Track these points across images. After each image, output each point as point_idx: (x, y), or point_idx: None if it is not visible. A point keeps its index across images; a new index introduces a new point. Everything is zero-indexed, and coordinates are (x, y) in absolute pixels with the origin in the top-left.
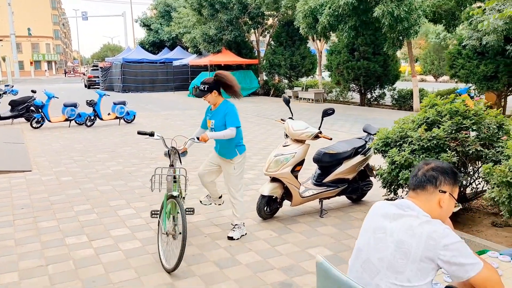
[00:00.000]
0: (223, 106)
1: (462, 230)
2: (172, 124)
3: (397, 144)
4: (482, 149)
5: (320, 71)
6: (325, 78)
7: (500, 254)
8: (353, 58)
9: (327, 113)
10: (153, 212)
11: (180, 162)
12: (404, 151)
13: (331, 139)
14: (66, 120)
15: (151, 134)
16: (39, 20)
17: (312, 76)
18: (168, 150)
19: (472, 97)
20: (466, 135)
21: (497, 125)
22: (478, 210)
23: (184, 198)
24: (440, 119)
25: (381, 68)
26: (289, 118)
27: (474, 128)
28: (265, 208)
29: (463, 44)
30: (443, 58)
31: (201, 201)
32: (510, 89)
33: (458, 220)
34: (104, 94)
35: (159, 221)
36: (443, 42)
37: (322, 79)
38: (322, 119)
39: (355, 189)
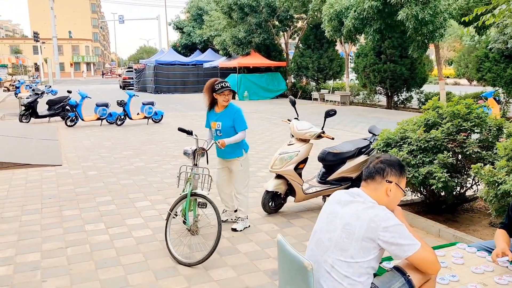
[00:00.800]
0: (231, 109)
1: (459, 229)
2: (197, 124)
3: (398, 144)
4: (479, 150)
5: (347, 74)
6: (353, 80)
7: (468, 246)
8: (380, 61)
9: (329, 114)
10: (175, 213)
11: (207, 162)
12: (403, 151)
13: (333, 138)
14: (98, 119)
15: (190, 133)
16: (80, 23)
17: (340, 79)
18: (195, 150)
19: (498, 101)
20: (464, 137)
21: (497, 127)
22: (479, 211)
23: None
24: (441, 121)
25: (408, 71)
26: (295, 118)
27: (476, 131)
28: (269, 203)
29: (489, 47)
30: None
31: (226, 220)
32: None
33: (456, 220)
34: (134, 95)
35: (168, 217)
36: (478, 45)
37: (349, 81)
38: (324, 120)
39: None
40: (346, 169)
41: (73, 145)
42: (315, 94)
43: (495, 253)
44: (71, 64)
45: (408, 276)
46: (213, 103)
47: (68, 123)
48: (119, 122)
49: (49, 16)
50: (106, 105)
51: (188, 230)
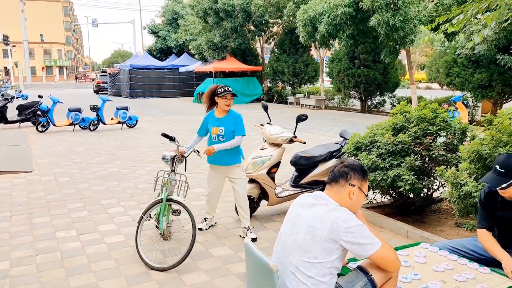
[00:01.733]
0: (233, 114)
1: (426, 230)
2: (172, 129)
3: (367, 148)
4: (445, 153)
5: (322, 79)
6: (327, 84)
7: (431, 246)
8: (354, 65)
9: (300, 119)
10: (149, 216)
11: (185, 169)
12: (372, 155)
13: (305, 143)
14: (71, 124)
15: (173, 139)
16: (52, 26)
17: (315, 84)
18: (175, 156)
19: (466, 105)
20: (431, 141)
21: (461, 131)
22: (446, 211)
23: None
24: (408, 125)
25: (381, 75)
26: (267, 123)
27: (442, 134)
28: None
29: (457, 52)
30: None
31: (201, 228)
32: (505, 97)
33: (424, 221)
34: (107, 100)
35: (140, 220)
36: (448, 50)
37: (324, 86)
38: (296, 124)
39: None
40: (318, 173)
41: (44, 151)
42: (290, 99)
43: (510, 270)
44: (43, 68)
45: (371, 275)
46: (211, 108)
47: (39, 129)
48: (92, 127)
49: (19, 19)
50: (79, 110)
51: (161, 235)
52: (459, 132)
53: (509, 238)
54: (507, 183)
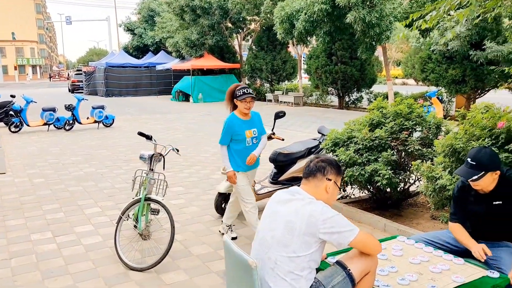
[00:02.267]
0: (254, 114)
1: (403, 223)
2: (150, 128)
3: (345, 144)
4: (420, 148)
5: (300, 75)
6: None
7: (407, 239)
8: (331, 62)
9: (278, 115)
10: (127, 216)
11: (164, 168)
12: (349, 150)
13: (283, 139)
14: (45, 124)
15: (149, 137)
16: (24, 24)
17: (293, 80)
18: (153, 155)
19: (441, 100)
20: (406, 135)
21: (436, 125)
22: (422, 205)
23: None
24: (385, 120)
25: (358, 72)
26: None
27: (417, 129)
28: (222, 205)
29: (431, 48)
30: None
31: (235, 238)
32: (478, 92)
33: (401, 214)
34: (83, 99)
35: (119, 221)
36: (423, 46)
37: (302, 83)
38: (274, 121)
39: None
40: (296, 169)
41: (17, 152)
42: (269, 96)
43: (479, 253)
44: (15, 67)
45: (349, 270)
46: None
47: (12, 129)
48: (67, 127)
49: None
50: (53, 110)
51: (139, 235)
52: (434, 127)
53: (482, 232)
54: (477, 175)
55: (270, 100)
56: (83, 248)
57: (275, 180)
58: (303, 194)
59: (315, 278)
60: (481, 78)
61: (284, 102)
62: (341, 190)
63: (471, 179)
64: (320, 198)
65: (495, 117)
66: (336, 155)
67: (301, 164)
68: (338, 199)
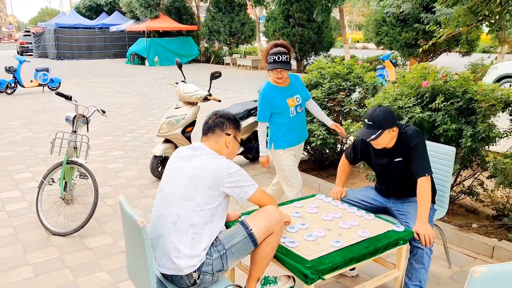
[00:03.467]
0: (294, 77)
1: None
2: (100, 92)
3: None
4: (356, 108)
5: (259, 38)
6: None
7: (326, 197)
8: (289, 24)
9: (214, 76)
10: (51, 180)
11: (87, 130)
12: None
13: (220, 101)
14: None
15: (69, 98)
16: None
17: (252, 43)
18: (75, 116)
19: (394, 64)
20: (344, 96)
21: (373, 86)
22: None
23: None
24: (323, 81)
25: (315, 35)
26: (182, 81)
27: (356, 90)
28: (158, 168)
29: (385, 11)
30: None
31: None
32: (430, 55)
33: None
34: (24, 60)
35: (41, 185)
36: (379, 8)
37: (260, 46)
38: (210, 82)
39: (250, 149)
40: None
41: None
42: (227, 59)
43: (334, 193)
44: None
45: (251, 229)
46: None
47: None
48: (9, 91)
49: None
50: None
51: (62, 199)
52: (371, 88)
53: (390, 188)
54: (375, 134)
55: (228, 64)
56: (5, 214)
57: None
58: (206, 150)
59: (216, 237)
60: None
61: (242, 65)
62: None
63: (370, 138)
64: (221, 154)
65: (424, 77)
66: None
67: None
68: None
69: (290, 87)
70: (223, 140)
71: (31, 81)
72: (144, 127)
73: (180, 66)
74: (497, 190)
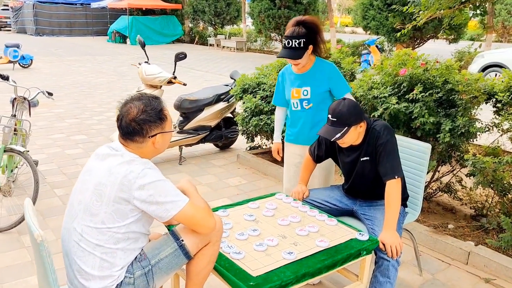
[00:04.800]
0: (321, 66)
1: None
2: (74, 70)
3: (254, 90)
4: None
5: (244, 19)
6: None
7: (286, 196)
8: (274, 6)
9: (178, 57)
10: None
11: (29, 114)
12: (256, 98)
13: (185, 84)
14: None
15: (5, 78)
16: None
17: (237, 24)
18: (14, 99)
19: (380, 49)
20: None
21: (351, 72)
22: None
23: (28, 151)
24: None
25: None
26: (145, 62)
27: None
28: None
29: None
30: None
31: None
32: (417, 41)
33: None
34: None
35: None
36: None
37: (246, 27)
38: (175, 64)
39: (219, 136)
40: (204, 117)
41: None
42: (211, 40)
43: (295, 192)
44: None
45: (182, 240)
46: None
47: None
48: None
49: None
50: None
51: None
52: (348, 74)
53: (356, 189)
54: (340, 133)
55: (212, 45)
56: None
57: (180, 128)
58: (122, 151)
59: (141, 250)
60: (419, 27)
61: (226, 47)
62: (174, 129)
63: (334, 137)
64: (148, 155)
65: (403, 64)
66: (243, 102)
67: (208, 111)
68: (248, 149)
69: (304, 76)
70: (149, 143)
71: (1, 57)
72: (113, 110)
73: (143, 46)
74: (476, 189)
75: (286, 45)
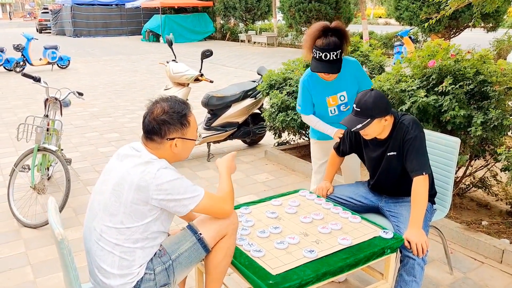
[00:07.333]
0: (347, 66)
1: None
2: (108, 70)
3: (281, 86)
4: None
5: (275, 14)
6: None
7: (310, 193)
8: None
9: (205, 54)
10: (25, 167)
11: (61, 114)
12: (282, 94)
13: (212, 81)
14: None
15: (37, 79)
16: None
17: (268, 20)
18: (46, 100)
19: (414, 40)
20: None
21: (379, 65)
22: None
23: (62, 150)
24: None
25: (333, 10)
26: (173, 60)
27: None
28: None
29: None
30: None
31: None
32: (453, 31)
33: None
34: (32, 38)
35: (12, 173)
36: None
37: (277, 22)
38: (201, 62)
39: (247, 133)
40: (231, 114)
41: None
42: (242, 36)
43: (319, 189)
44: None
45: (200, 234)
46: None
47: None
48: (18, 69)
49: None
50: (1, 50)
51: (33, 189)
52: (377, 67)
53: (382, 185)
54: (362, 124)
55: (243, 41)
56: None
57: (208, 125)
58: (142, 151)
59: (160, 245)
60: (455, 16)
61: (257, 42)
62: (200, 136)
63: (356, 128)
64: (167, 157)
65: (433, 55)
66: (270, 98)
67: (236, 108)
68: (276, 145)
69: (335, 82)
70: (167, 146)
71: (40, 59)
72: (145, 108)
73: (170, 44)
74: (511, 184)
75: (323, 58)
